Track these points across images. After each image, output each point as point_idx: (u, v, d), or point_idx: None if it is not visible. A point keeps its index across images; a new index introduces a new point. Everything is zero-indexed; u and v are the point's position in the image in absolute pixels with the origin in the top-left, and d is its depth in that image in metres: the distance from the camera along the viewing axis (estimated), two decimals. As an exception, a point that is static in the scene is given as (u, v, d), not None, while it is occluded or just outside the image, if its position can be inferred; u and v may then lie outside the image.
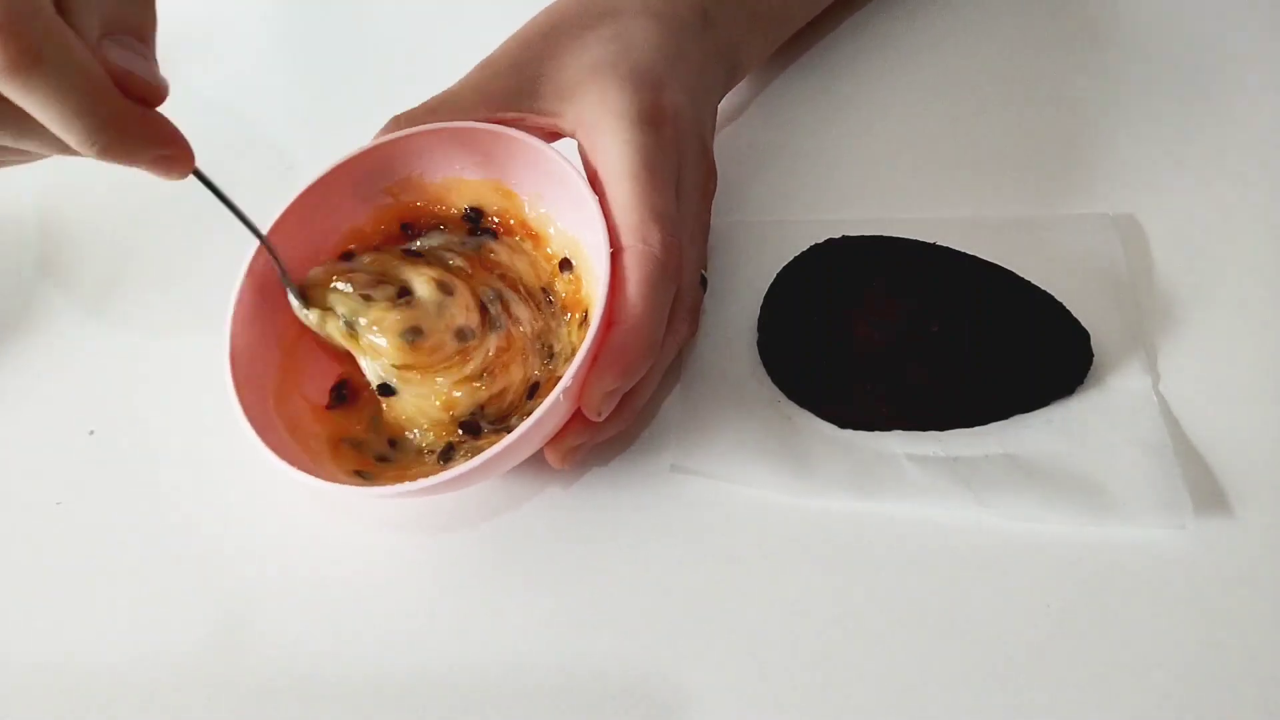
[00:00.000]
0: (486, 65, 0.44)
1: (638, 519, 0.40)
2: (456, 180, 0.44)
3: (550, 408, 0.36)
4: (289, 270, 0.41)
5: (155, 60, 0.32)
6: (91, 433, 0.47)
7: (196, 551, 0.42)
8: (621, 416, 0.40)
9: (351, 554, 0.42)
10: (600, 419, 0.38)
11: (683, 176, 0.41)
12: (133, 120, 0.31)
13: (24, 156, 0.34)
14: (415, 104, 0.43)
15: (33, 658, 0.40)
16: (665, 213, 0.38)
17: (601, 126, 0.40)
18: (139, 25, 0.32)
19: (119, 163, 0.32)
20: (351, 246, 0.44)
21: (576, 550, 0.40)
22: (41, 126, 0.30)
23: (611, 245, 0.38)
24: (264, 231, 0.40)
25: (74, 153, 0.32)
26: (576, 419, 0.39)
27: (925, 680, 0.35)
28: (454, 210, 0.45)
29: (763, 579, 0.38)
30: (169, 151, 0.33)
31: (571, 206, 0.41)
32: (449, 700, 0.37)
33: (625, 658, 0.37)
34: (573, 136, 0.42)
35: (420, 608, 0.40)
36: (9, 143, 0.32)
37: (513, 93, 0.42)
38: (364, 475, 0.40)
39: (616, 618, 0.38)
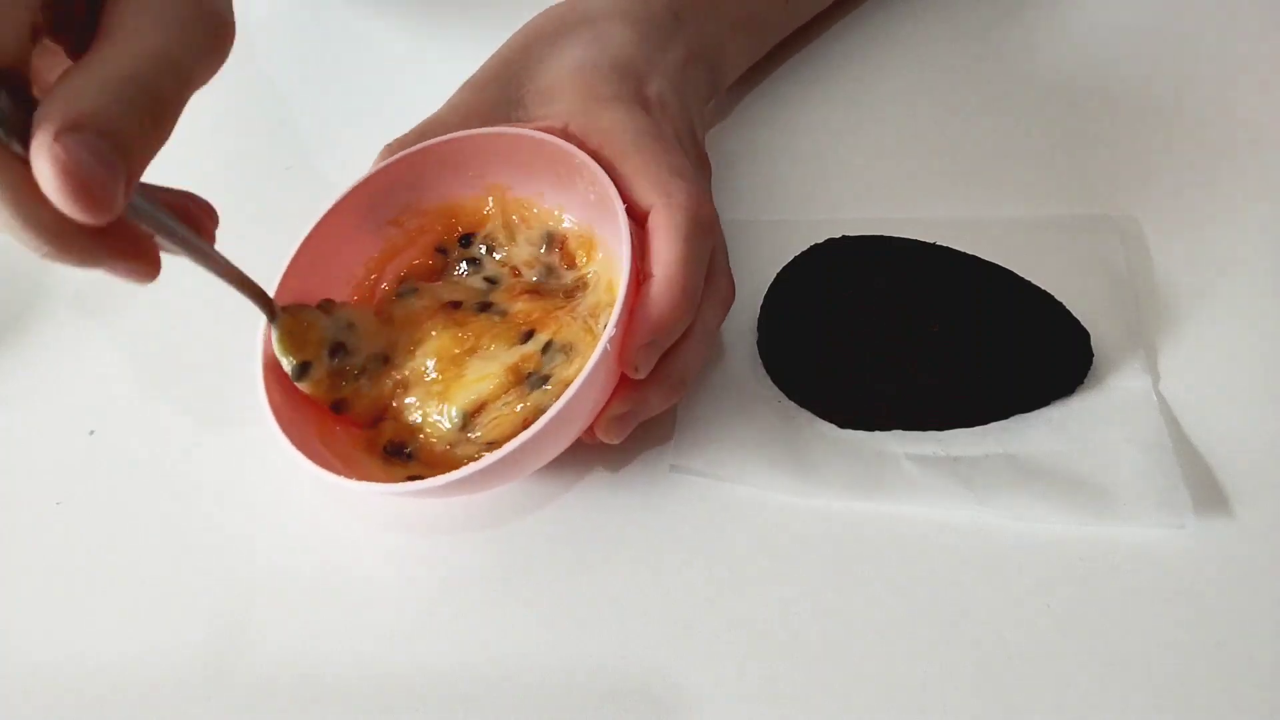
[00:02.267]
0: (470, 84, 0.44)
1: (637, 519, 0.40)
2: (459, 197, 0.44)
3: (596, 364, 0.35)
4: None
5: (122, 168, 0.26)
6: (91, 433, 0.47)
7: (197, 551, 0.42)
8: (671, 386, 0.39)
9: (351, 554, 0.42)
10: (639, 375, 0.37)
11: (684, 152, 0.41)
12: (76, 234, 0.27)
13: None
14: (405, 130, 0.43)
15: (33, 658, 0.40)
16: (684, 169, 0.39)
17: (595, 111, 0.40)
18: (115, 128, 0.26)
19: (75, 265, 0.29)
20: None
21: (576, 550, 0.40)
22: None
23: (635, 212, 0.38)
24: (269, 289, 0.39)
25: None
26: (621, 389, 0.38)
27: (925, 680, 0.35)
28: (457, 233, 0.44)
29: (763, 579, 0.38)
30: (126, 265, 0.29)
31: (577, 190, 0.41)
32: (449, 700, 0.37)
33: (625, 658, 0.37)
34: (563, 135, 0.42)
35: (420, 607, 0.40)
36: None
37: (498, 105, 0.43)
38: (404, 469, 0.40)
39: (616, 617, 0.38)
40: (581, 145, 0.40)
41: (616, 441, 0.39)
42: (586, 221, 0.42)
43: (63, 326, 0.51)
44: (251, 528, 0.43)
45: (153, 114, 0.27)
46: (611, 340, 0.35)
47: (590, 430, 0.39)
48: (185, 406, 0.47)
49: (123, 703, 0.39)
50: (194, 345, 0.48)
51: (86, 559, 0.43)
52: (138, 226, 0.30)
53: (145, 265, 0.30)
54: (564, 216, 0.43)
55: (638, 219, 0.39)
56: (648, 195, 0.38)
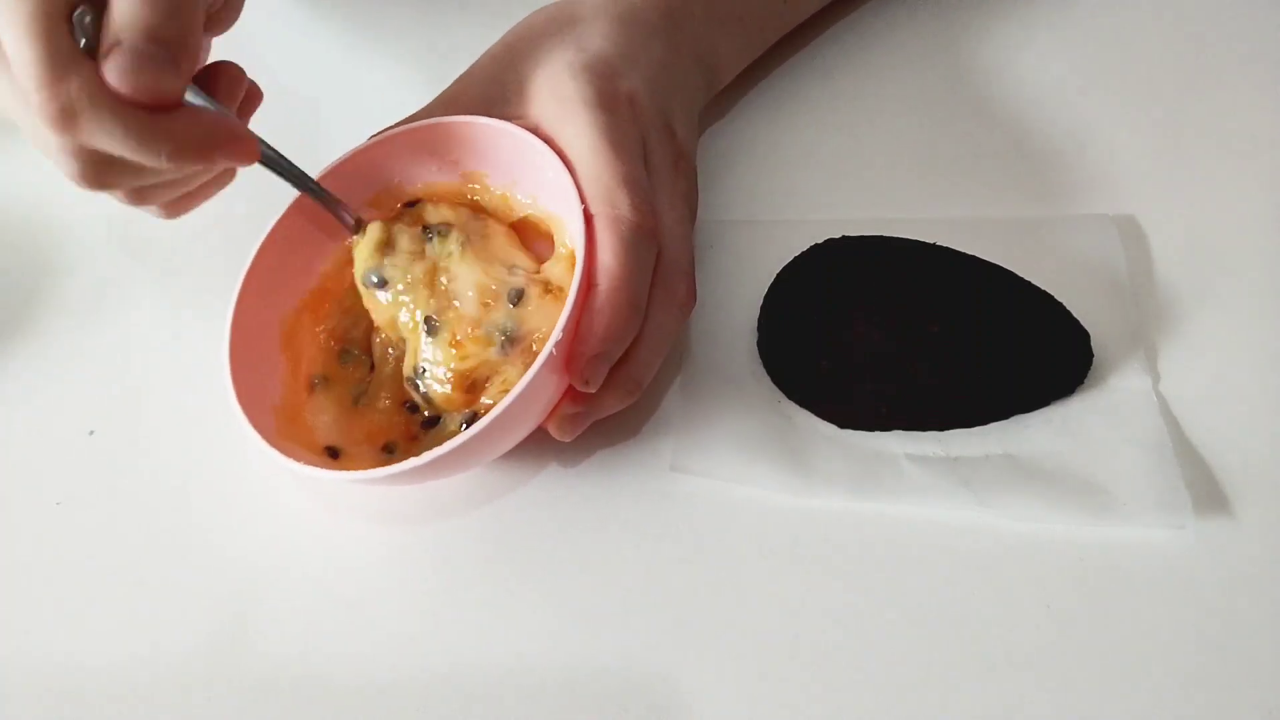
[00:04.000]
0: (461, 79, 0.45)
1: (637, 519, 0.40)
2: (432, 184, 0.44)
3: (536, 374, 0.35)
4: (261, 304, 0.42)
5: (184, 71, 0.32)
6: (91, 433, 0.47)
7: (196, 551, 0.42)
8: (624, 389, 0.39)
9: (352, 553, 0.42)
10: (590, 388, 0.37)
11: (649, 155, 0.42)
12: (179, 127, 0.33)
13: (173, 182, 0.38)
14: (395, 120, 0.44)
15: (33, 658, 0.40)
16: (630, 177, 0.39)
17: (560, 115, 0.41)
18: (169, 35, 0.32)
19: (193, 164, 0.34)
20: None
21: (576, 550, 0.40)
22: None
23: (586, 218, 0.38)
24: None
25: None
26: (572, 389, 0.38)
27: (925, 680, 0.35)
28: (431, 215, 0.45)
29: (763, 579, 0.38)
30: (227, 146, 0.34)
31: (545, 183, 0.41)
32: (448, 699, 0.37)
33: (624, 657, 0.37)
34: (536, 134, 0.42)
35: (420, 608, 0.40)
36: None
37: (482, 101, 0.43)
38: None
39: (616, 617, 0.38)
40: (549, 145, 0.41)
41: (569, 439, 0.40)
42: (552, 211, 0.43)
43: (63, 326, 0.51)
44: (250, 527, 0.43)
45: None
46: (558, 345, 0.36)
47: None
48: (185, 406, 0.47)
49: (122, 702, 0.39)
50: (194, 345, 0.48)
51: (86, 559, 0.43)
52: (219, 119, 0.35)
53: (243, 146, 0.35)
54: (534, 205, 0.43)
55: (587, 223, 0.39)
56: (594, 201, 0.38)
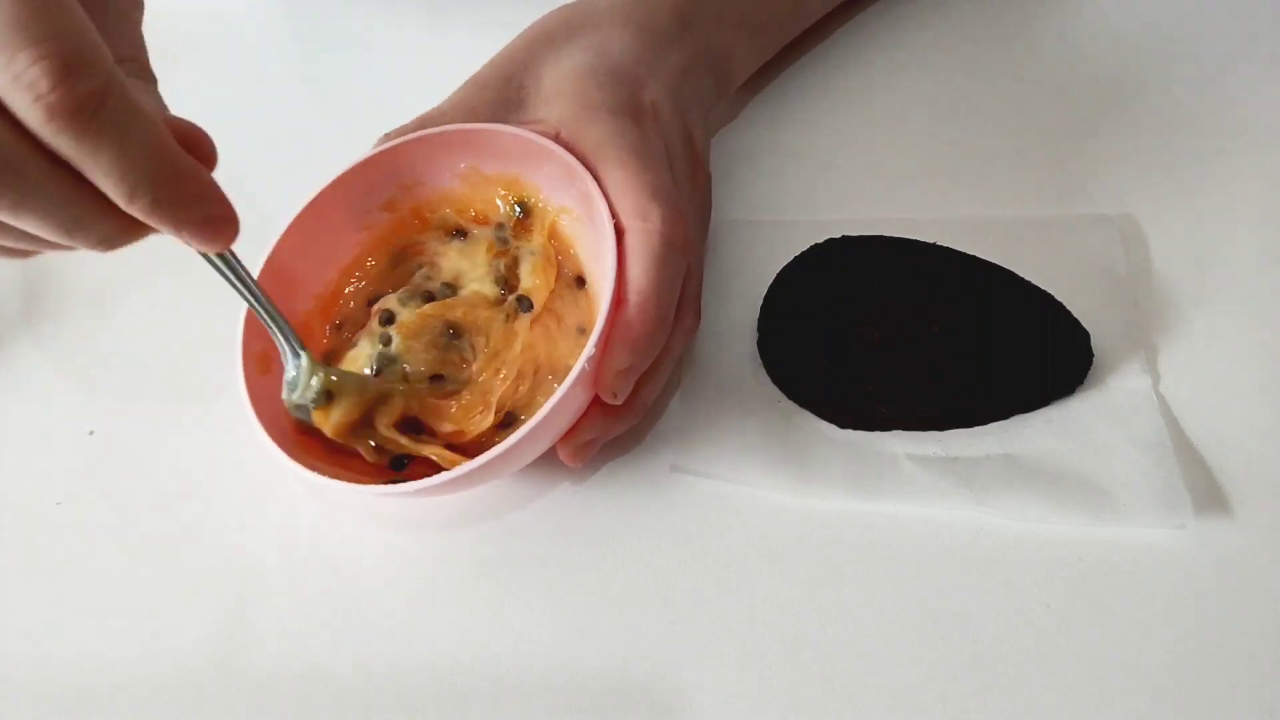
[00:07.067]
0: (472, 82, 0.44)
1: (638, 519, 0.40)
2: (449, 190, 0.44)
3: (570, 389, 0.35)
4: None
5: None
6: (91, 433, 0.47)
7: (196, 551, 0.42)
8: (632, 410, 0.40)
9: (352, 554, 0.42)
10: (617, 400, 0.38)
11: (671, 166, 0.42)
12: (188, 173, 0.29)
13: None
14: (404, 120, 0.44)
15: (33, 658, 0.40)
16: (661, 189, 0.39)
17: (583, 121, 0.41)
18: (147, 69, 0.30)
19: (165, 222, 0.29)
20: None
21: (577, 550, 0.40)
22: (49, 190, 0.27)
23: (615, 229, 0.38)
24: (258, 278, 0.40)
25: (65, 244, 0.29)
26: (587, 415, 0.39)
27: (925, 680, 0.35)
28: (449, 223, 0.45)
29: (763, 579, 0.38)
30: (217, 211, 0.30)
31: (569, 194, 0.41)
32: (449, 700, 0.37)
33: (625, 658, 0.37)
34: (555, 140, 0.42)
35: (421, 607, 0.40)
36: (5, 215, 0.28)
37: (497, 105, 0.43)
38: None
39: (617, 617, 0.38)
40: (570, 152, 0.40)
41: (580, 465, 0.40)
42: (577, 222, 0.42)
43: (63, 326, 0.51)
44: (251, 527, 0.43)
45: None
46: (590, 360, 0.36)
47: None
48: (185, 406, 0.47)
49: (123, 702, 0.39)
50: (194, 345, 0.48)
51: (86, 559, 0.43)
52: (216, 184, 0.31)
53: (229, 216, 0.31)
54: (557, 215, 0.43)
55: (617, 235, 0.39)
56: (625, 216, 0.38)
